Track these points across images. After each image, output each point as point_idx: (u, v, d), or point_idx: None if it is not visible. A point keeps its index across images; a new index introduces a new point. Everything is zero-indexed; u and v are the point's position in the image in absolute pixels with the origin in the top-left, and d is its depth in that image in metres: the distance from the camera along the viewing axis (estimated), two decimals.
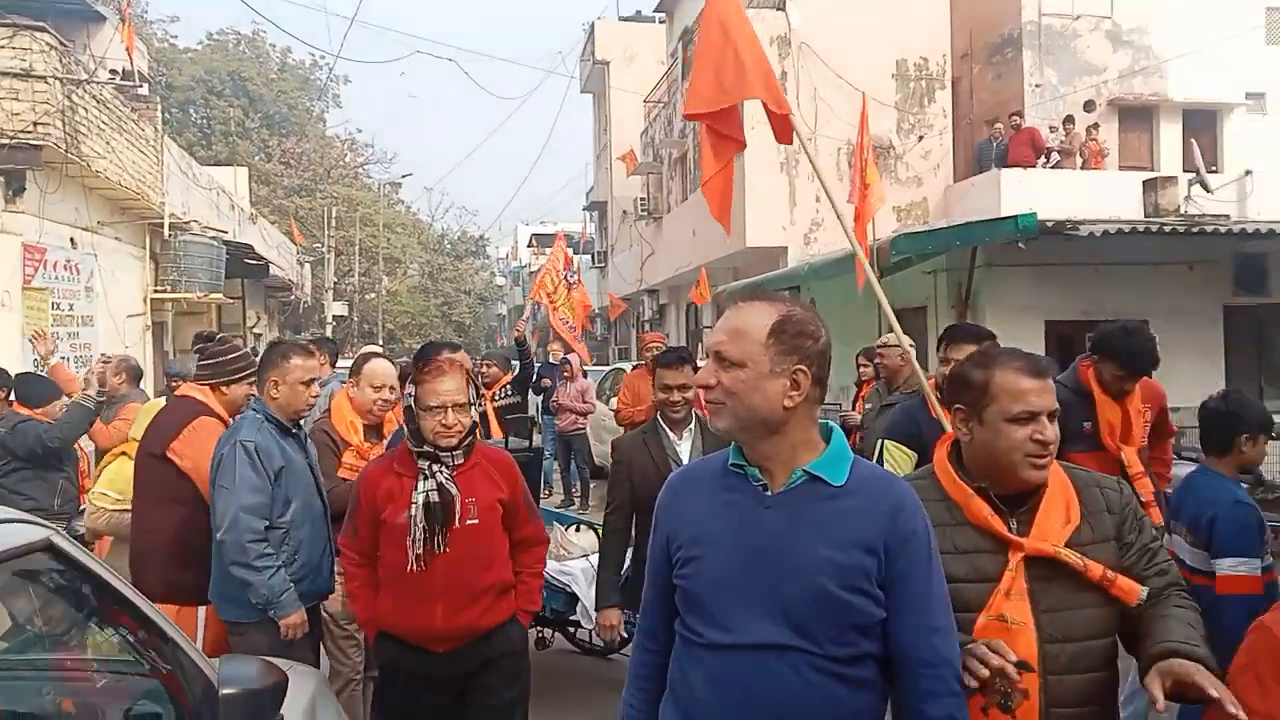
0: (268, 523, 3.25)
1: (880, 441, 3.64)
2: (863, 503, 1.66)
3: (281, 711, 1.95)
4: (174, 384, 8.47)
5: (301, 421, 3.63)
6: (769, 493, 1.68)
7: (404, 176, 50.40)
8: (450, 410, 2.90)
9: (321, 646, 3.74)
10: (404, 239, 41.27)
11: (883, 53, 15.57)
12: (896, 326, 4.49)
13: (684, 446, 3.73)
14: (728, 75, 3.98)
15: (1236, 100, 15.63)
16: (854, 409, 7.31)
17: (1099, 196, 12.09)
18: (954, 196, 15.31)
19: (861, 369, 7.36)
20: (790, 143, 4.11)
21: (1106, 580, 1.83)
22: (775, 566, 1.63)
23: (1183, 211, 11.15)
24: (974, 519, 1.89)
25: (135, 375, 6.36)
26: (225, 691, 1.81)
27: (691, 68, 4.20)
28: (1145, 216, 11.15)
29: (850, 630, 1.62)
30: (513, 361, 8.53)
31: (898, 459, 3.52)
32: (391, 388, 4.11)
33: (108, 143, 10.00)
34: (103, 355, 6.40)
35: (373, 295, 38.12)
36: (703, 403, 1.79)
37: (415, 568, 2.85)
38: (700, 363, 2.03)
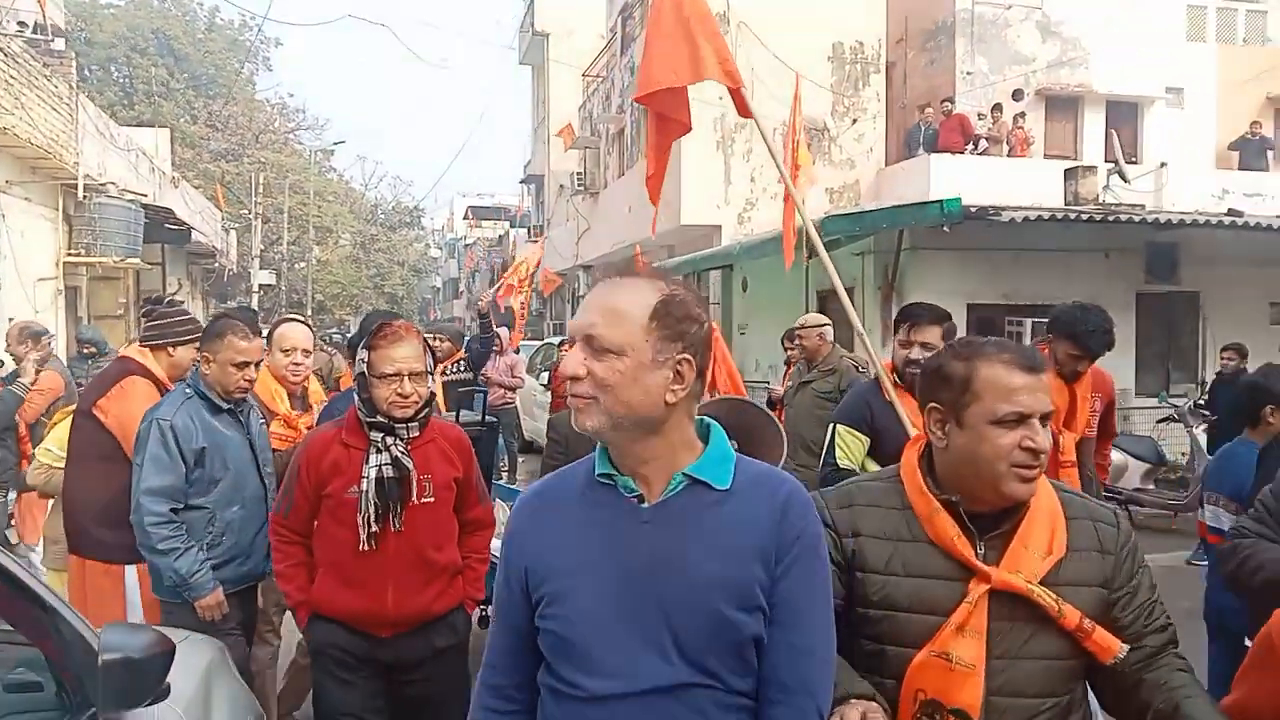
0: (180, 504, 3.15)
1: (832, 426, 3.58)
2: (750, 506, 1.45)
3: (169, 680, 1.92)
4: (86, 350, 8.24)
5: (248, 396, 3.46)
6: (645, 504, 1.44)
7: (336, 144, 49.15)
8: (406, 379, 2.71)
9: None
10: (335, 208, 40.40)
11: (819, 35, 15.66)
12: (847, 303, 4.43)
13: None
14: (681, 56, 3.93)
15: (1157, 94, 16.11)
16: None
17: (1024, 183, 12.39)
18: (885, 180, 15.53)
19: (789, 351, 7.50)
20: (750, 116, 4.11)
21: (1082, 631, 1.56)
22: (661, 592, 1.40)
23: (1101, 201, 11.50)
24: (935, 537, 1.61)
25: (34, 339, 6.18)
26: (106, 658, 1.77)
27: (643, 49, 4.14)
28: (1065, 204, 11.46)
29: (752, 657, 1.42)
30: (467, 337, 8.39)
31: (849, 444, 3.43)
32: (305, 351, 4.03)
33: (17, 98, 9.59)
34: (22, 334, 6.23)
35: (302, 265, 37.30)
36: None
37: (366, 547, 2.67)
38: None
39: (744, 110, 3.97)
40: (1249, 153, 15.44)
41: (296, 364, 4.00)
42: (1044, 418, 1.60)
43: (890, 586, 1.60)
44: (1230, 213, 11.40)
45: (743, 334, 15.18)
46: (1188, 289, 12.00)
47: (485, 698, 1.57)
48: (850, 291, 11.71)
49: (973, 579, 1.57)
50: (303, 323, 4.40)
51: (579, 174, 22.68)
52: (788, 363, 7.61)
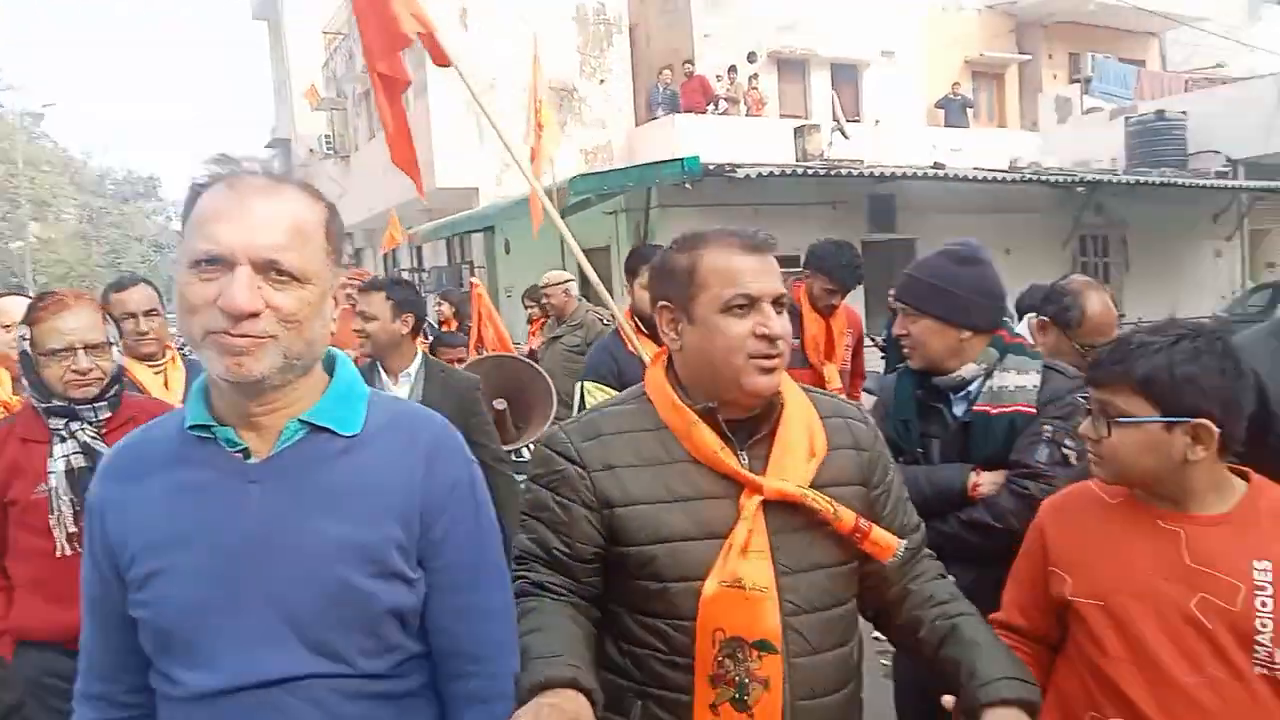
0: None
1: (580, 384, 3.54)
2: (386, 454, 1.25)
3: None
4: None
5: None
6: (252, 460, 1.21)
7: (45, 106, 43.85)
8: (81, 353, 2.35)
9: None
10: (53, 178, 36.34)
11: None
12: (583, 261, 4.60)
13: (397, 394, 3.25)
14: (388, 16, 3.89)
15: (873, 57, 17.52)
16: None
17: (762, 142, 13.20)
18: (637, 139, 15.99)
19: (529, 309, 7.70)
20: (448, 64, 4.11)
21: (860, 533, 1.48)
22: (274, 565, 1.18)
23: (826, 157, 12.44)
24: (697, 453, 1.48)
25: None
26: None
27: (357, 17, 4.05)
28: (796, 161, 12.32)
29: (390, 632, 1.23)
30: None
31: (600, 400, 3.39)
32: None
33: None
34: None
35: (19, 243, 33.36)
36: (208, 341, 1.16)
37: (66, 550, 2.30)
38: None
39: (441, 59, 3.95)
40: (952, 111, 17.21)
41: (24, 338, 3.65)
42: (776, 301, 1.49)
43: (658, 516, 1.45)
44: (935, 166, 12.70)
45: (509, 296, 15.23)
46: (905, 236, 13.26)
47: (87, 711, 1.30)
48: (606, 250, 12.19)
49: (743, 492, 1.45)
50: (26, 295, 4.04)
51: (328, 137, 21.69)
52: (530, 320, 7.80)
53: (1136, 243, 14.69)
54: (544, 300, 6.49)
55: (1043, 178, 12.76)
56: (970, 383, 2.17)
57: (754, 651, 1.41)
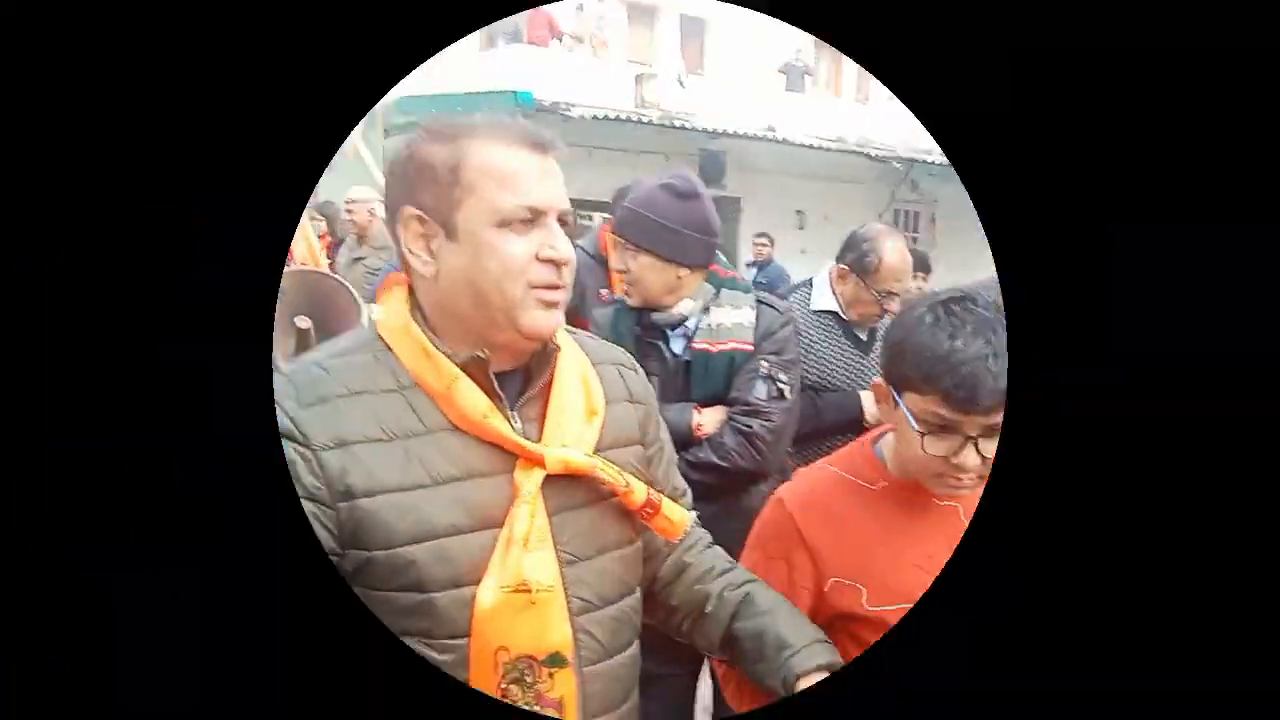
0: None
1: (366, 308, 3.23)
2: None
3: None
4: None
5: None
6: None
7: None
8: None
9: None
10: None
11: None
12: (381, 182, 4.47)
13: None
14: None
15: (719, 13, 17.68)
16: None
17: (606, 85, 13.10)
18: (479, 67, 15.57)
19: (315, 221, 7.42)
20: None
21: (650, 508, 1.21)
22: None
23: (663, 107, 12.52)
24: (460, 420, 1.12)
25: None
26: None
27: None
28: (634, 108, 12.34)
29: None
30: None
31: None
32: None
33: None
34: None
35: None
36: None
37: None
38: None
39: None
40: (792, 76, 17.61)
41: None
42: (563, 218, 1.15)
43: (417, 506, 1.09)
44: (768, 129, 13.02)
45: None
46: (732, 194, 13.57)
47: None
48: None
49: (517, 465, 1.13)
50: None
51: None
52: (321, 235, 7.48)
53: (944, 221, 15.63)
54: (346, 217, 6.26)
55: (864, 150, 13.33)
56: (688, 319, 2.15)
57: (544, 670, 1.11)
